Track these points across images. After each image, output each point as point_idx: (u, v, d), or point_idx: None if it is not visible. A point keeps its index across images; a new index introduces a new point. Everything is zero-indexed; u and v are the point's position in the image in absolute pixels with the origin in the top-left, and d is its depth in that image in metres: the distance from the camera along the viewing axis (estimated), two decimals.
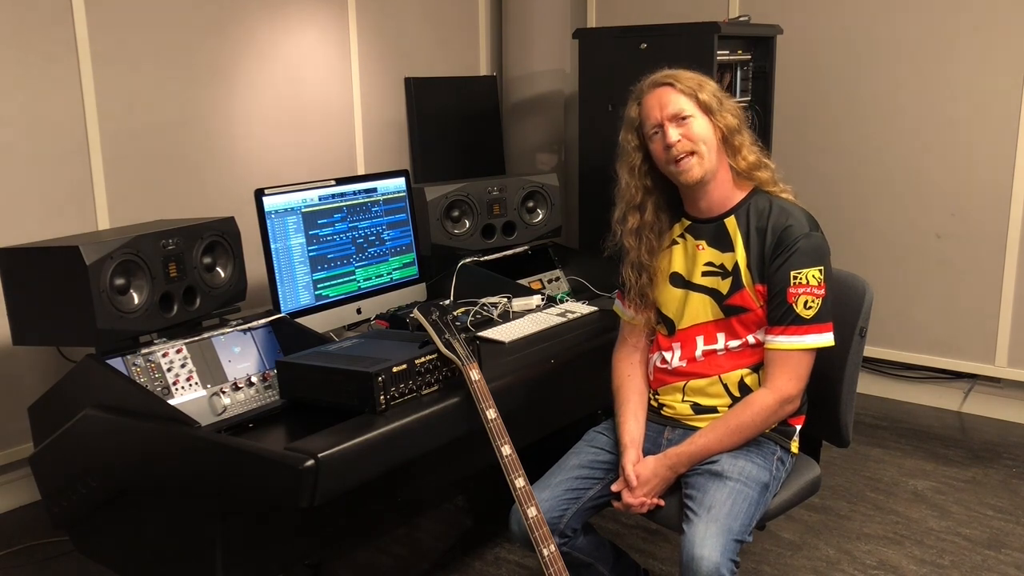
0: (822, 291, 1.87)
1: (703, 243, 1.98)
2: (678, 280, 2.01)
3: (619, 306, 2.16)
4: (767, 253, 1.90)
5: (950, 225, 3.70)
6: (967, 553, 2.70)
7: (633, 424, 2.00)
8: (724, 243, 1.95)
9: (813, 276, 1.86)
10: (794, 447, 2.02)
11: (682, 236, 2.02)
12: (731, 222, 1.95)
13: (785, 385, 1.89)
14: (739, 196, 1.96)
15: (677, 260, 2.02)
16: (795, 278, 1.86)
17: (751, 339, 1.94)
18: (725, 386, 1.97)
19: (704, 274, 1.97)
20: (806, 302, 1.86)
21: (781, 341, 1.88)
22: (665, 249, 2.04)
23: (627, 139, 1.99)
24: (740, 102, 3.59)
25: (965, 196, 3.64)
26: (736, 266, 1.93)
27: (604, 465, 2.01)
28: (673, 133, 1.89)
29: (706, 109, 1.90)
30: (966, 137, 3.61)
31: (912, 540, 2.77)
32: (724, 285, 1.94)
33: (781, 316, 1.88)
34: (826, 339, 1.88)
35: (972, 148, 3.60)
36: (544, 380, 2.28)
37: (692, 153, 1.89)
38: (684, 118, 1.89)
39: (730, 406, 1.96)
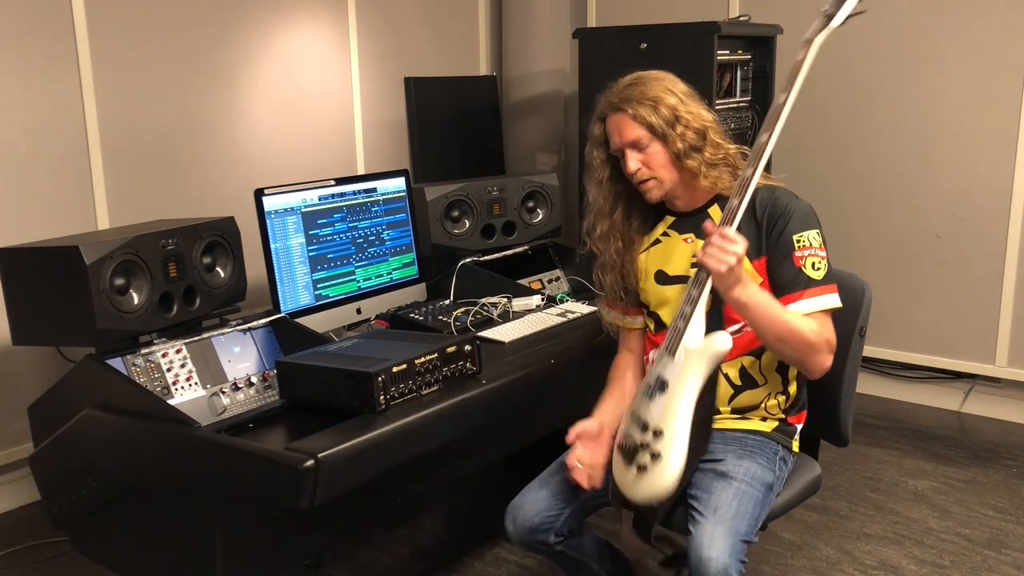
0: (824, 253, 1.88)
1: (690, 236, 1.98)
2: (663, 277, 2.01)
3: (608, 314, 2.14)
4: (763, 226, 1.90)
5: (950, 225, 3.70)
6: (967, 553, 2.70)
7: (609, 408, 2.01)
8: None
9: (813, 238, 1.87)
10: (795, 446, 2.03)
11: (665, 234, 2.02)
12: (715, 211, 1.96)
13: (826, 338, 1.86)
14: (716, 191, 1.97)
15: (659, 258, 2.02)
16: (798, 242, 1.87)
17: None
18: (726, 376, 1.95)
19: (695, 265, 1.96)
20: (813, 263, 1.86)
21: (800, 307, 1.85)
22: (646, 250, 2.05)
23: (593, 155, 2.02)
24: (740, 102, 3.61)
25: (965, 196, 3.64)
26: None
27: None
28: (632, 162, 1.92)
29: (659, 135, 1.89)
30: (966, 137, 3.61)
31: (912, 540, 2.77)
32: None
33: (792, 281, 1.86)
34: (837, 300, 1.87)
35: (972, 148, 3.60)
36: (544, 380, 2.28)
37: (651, 179, 1.93)
38: (643, 147, 1.91)
39: (732, 398, 1.96)
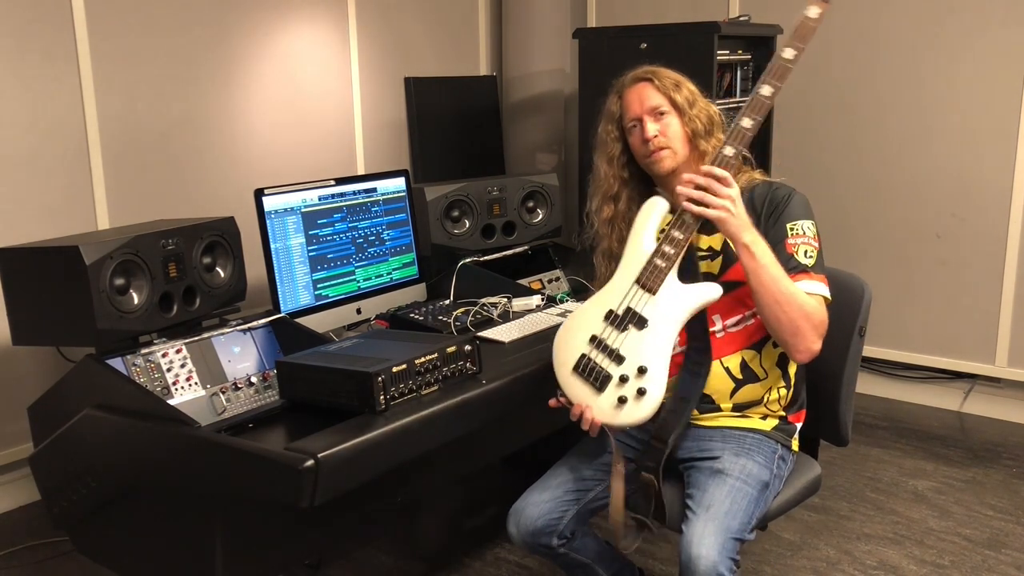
0: (817, 243, 1.90)
1: None
2: None
3: None
4: (761, 218, 1.91)
5: (950, 225, 3.70)
6: (967, 553, 2.70)
7: None
8: (711, 226, 1.94)
9: (808, 227, 1.90)
10: (794, 445, 2.03)
11: (663, 231, 2.02)
12: None
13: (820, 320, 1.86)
14: None
15: None
16: (792, 229, 1.89)
17: (749, 313, 1.94)
18: (727, 370, 1.96)
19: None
20: (806, 251, 1.88)
21: None
22: None
23: (607, 130, 2.06)
24: (740, 102, 3.61)
25: (965, 196, 3.64)
26: (725, 243, 1.94)
27: (605, 467, 2.00)
28: (651, 128, 1.95)
29: (679, 109, 1.96)
30: (966, 137, 3.61)
31: (912, 540, 2.77)
32: (715, 266, 1.95)
33: (784, 266, 1.85)
34: (827, 290, 1.88)
35: (972, 148, 3.60)
36: (544, 380, 2.28)
37: (667, 147, 1.96)
38: (662, 113, 1.96)
39: (733, 392, 1.96)
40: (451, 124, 4.30)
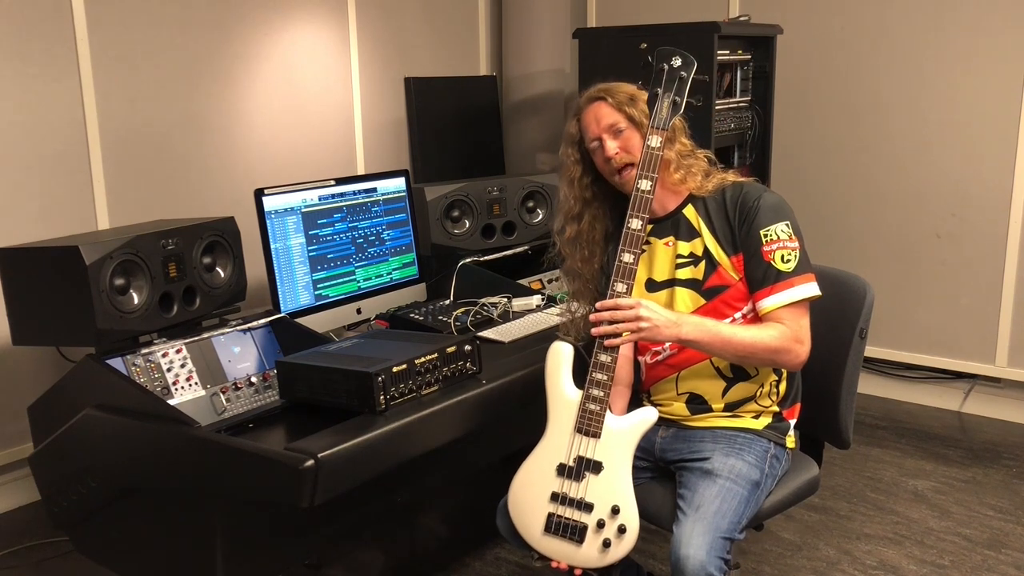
0: (795, 244, 1.89)
1: (671, 239, 1.99)
2: (652, 285, 2.02)
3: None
4: (734, 223, 1.92)
5: (950, 225, 3.70)
6: (967, 553, 2.70)
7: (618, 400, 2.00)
8: (689, 232, 1.97)
9: (781, 231, 1.89)
10: (790, 442, 2.02)
11: (647, 242, 2.01)
12: (689, 211, 1.98)
13: (793, 333, 1.87)
14: (687, 190, 1.99)
15: (645, 267, 2.02)
16: (765, 236, 1.89)
17: (738, 316, 1.94)
18: (717, 369, 1.97)
19: (679, 267, 1.98)
20: (783, 256, 1.88)
21: (772, 302, 1.87)
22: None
23: (567, 153, 2.06)
24: (740, 102, 3.61)
25: (965, 196, 3.64)
26: (706, 249, 1.95)
27: None
28: (611, 146, 1.95)
29: (636, 123, 1.95)
30: (966, 137, 3.61)
31: (912, 540, 2.77)
32: (699, 271, 1.96)
33: (763, 277, 1.88)
34: (813, 289, 1.88)
35: (972, 148, 3.60)
36: (544, 380, 2.28)
37: (631, 164, 1.94)
38: (620, 130, 1.95)
39: (725, 391, 1.97)
40: (451, 124, 4.30)
